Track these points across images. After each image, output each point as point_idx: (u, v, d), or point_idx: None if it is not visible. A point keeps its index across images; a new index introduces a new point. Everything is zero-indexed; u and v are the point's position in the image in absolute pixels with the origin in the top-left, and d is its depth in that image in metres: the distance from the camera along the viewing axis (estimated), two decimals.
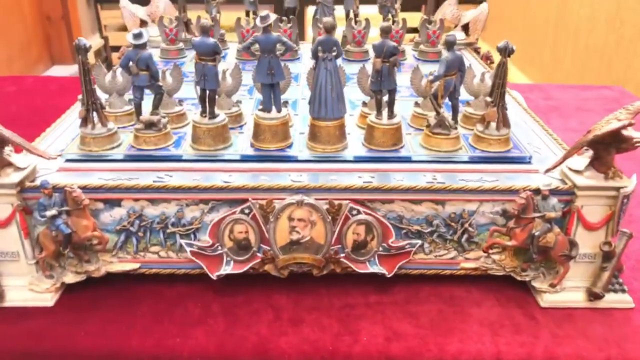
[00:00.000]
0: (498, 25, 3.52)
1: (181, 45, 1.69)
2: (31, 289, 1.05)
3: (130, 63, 1.07)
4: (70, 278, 1.06)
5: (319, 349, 0.96)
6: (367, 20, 1.70)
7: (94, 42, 3.83)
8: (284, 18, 1.67)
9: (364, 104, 1.25)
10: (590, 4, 2.79)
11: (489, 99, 1.11)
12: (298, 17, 1.76)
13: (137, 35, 1.05)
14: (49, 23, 3.57)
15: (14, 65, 3.11)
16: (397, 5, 1.74)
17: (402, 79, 1.35)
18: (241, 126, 1.22)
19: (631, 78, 2.48)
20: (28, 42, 3.36)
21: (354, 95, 1.36)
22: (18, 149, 1.03)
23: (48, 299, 1.04)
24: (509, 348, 0.96)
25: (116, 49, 3.99)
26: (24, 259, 1.04)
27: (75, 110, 1.34)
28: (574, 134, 1.17)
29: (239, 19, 1.69)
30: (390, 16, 1.71)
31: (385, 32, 1.06)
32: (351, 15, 1.75)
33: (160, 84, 1.10)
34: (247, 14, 1.74)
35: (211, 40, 1.05)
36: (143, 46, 1.06)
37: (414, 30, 1.91)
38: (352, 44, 1.70)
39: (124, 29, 4.09)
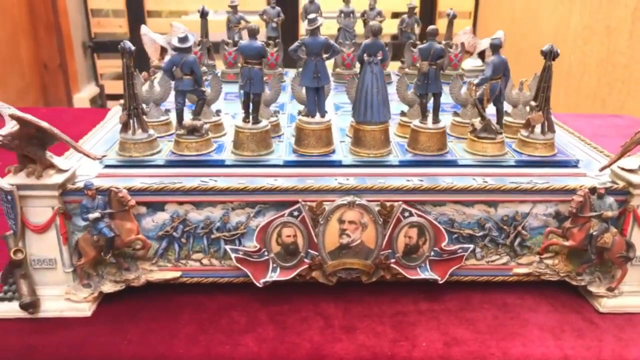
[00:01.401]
0: None
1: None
2: (68, 299, 0.99)
3: (174, 67, 1.06)
4: (108, 287, 1.01)
5: (377, 355, 0.91)
6: (355, 42, 1.69)
7: (90, 90, 3.87)
8: (270, 42, 1.67)
9: (403, 113, 1.24)
10: (581, 49, 2.84)
11: (533, 103, 1.10)
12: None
13: (183, 39, 1.05)
14: (45, 71, 3.59)
15: None
16: (417, 30, 1.76)
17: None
18: (279, 135, 1.20)
19: None
20: (25, 89, 3.36)
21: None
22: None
23: (85, 309, 0.99)
24: (575, 352, 0.92)
25: (112, 97, 4.05)
26: (61, 267, 1.00)
27: (111, 120, 1.32)
28: None
29: (223, 40, 1.69)
30: (410, 41, 1.73)
31: (431, 35, 1.06)
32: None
33: (204, 89, 1.09)
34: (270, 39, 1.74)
35: (258, 43, 1.04)
36: (188, 50, 1.05)
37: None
38: (342, 66, 1.69)
39: (119, 77, 4.15)
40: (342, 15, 1.73)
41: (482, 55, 1.89)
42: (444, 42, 1.79)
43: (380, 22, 1.80)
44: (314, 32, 1.04)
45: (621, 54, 2.54)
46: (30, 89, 3.47)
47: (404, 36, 1.76)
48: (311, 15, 1.04)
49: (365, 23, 1.79)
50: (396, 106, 1.26)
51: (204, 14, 1.68)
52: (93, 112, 2.63)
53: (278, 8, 1.73)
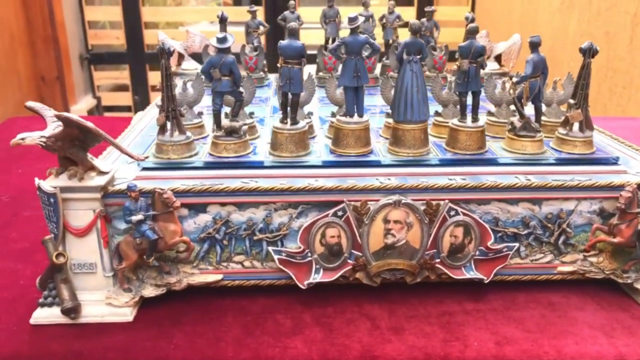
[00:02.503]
0: None
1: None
2: (109, 303, 0.97)
3: (213, 68, 1.04)
4: (149, 291, 0.99)
5: (430, 355, 0.90)
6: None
7: (87, 102, 3.85)
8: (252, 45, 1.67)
9: (437, 113, 1.23)
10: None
11: (572, 101, 1.10)
12: None
13: (222, 40, 1.04)
14: (43, 83, 3.56)
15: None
16: (436, 35, 1.76)
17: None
18: (313, 137, 1.19)
19: None
20: (22, 101, 3.32)
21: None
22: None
23: (127, 314, 0.97)
24: (630, 349, 0.91)
25: (108, 109, 4.03)
26: (101, 271, 0.98)
27: (137, 125, 1.30)
28: None
29: (243, 46, 1.69)
30: (430, 44, 1.73)
31: (471, 33, 1.06)
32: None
33: (242, 90, 1.08)
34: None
35: (298, 43, 1.04)
36: (227, 50, 1.04)
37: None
38: None
39: (116, 89, 4.14)
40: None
41: (498, 58, 1.90)
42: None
43: (399, 25, 1.81)
44: (354, 31, 1.04)
45: (621, 59, 2.57)
46: (28, 101, 3.44)
47: (423, 40, 1.75)
48: (352, 14, 1.04)
49: (384, 27, 1.79)
50: (430, 107, 1.26)
51: (223, 20, 1.67)
52: (101, 120, 2.60)
53: (297, 12, 1.73)
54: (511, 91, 1.08)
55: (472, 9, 3.90)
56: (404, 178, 1.02)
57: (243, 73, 1.65)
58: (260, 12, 3.79)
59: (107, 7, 3.88)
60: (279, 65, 1.06)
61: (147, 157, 1.03)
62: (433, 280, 1.04)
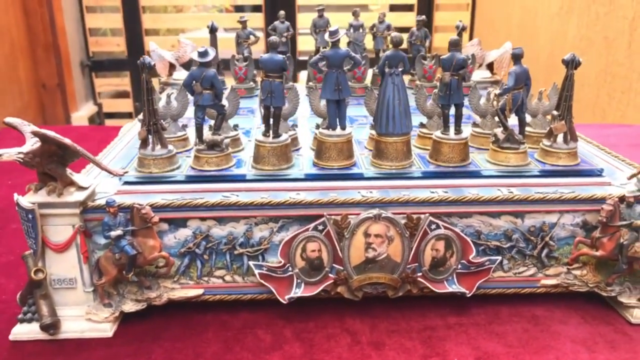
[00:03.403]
0: None
1: None
2: (88, 319, 0.97)
3: (194, 82, 1.04)
4: (129, 307, 0.99)
5: None
6: (365, 56, 1.69)
7: (88, 109, 3.86)
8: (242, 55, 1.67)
9: (422, 124, 1.23)
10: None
11: (556, 112, 1.10)
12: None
13: (203, 54, 1.03)
14: (44, 90, 3.58)
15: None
16: (427, 44, 1.76)
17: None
18: (297, 149, 1.19)
19: None
20: (23, 108, 3.35)
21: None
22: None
23: (107, 330, 0.97)
24: None
25: (110, 115, 4.04)
26: (81, 287, 0.98)
27: (124, 137, 1.30)
28: None
29: (233, 56, 1.69)
30: (420, 54, 1.73)
31: (454, 45, 1.06)
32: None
33: (224, 103, 1.08)
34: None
35: (279, 56, 1.03)
36: (208, 64, 1.04)
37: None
38: (352, 80, 1.68)
39: (117, 96, 4.16)
40: (352, 28, 1.73)
41: (490, 66, 1.89)
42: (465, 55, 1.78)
43: (389, 35, 1.81)
44: (335, 44, 1.04)
45: (620, 64, 2.55)
46: (29, 109, 3.45)
47: (414, 49, 1.76)
48: (332, 28, 1.04)
49: (374, 37, 1.79)
50: (415, 118, 1.25)
51: (213, 30, 1.67)
52: (97, 129, 2.61)
53: (287, 23, 1.73)
54: (494, 103, 1.07)
55: (472, 15, 3.90)
56: (386, 191, 1.02)
57: (234, 83, 1.68)
58: (260, 19, 3.82)
59: (107, 14, 3.89)
60: (259, 79, 1.06)
61: (126, 172, 1.03)
62: (415, 294, 1.03)
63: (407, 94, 1.07)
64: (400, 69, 1.05)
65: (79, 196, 0.94)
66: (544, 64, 3.17)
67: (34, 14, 3.45)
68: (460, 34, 1.76)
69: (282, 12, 1.74)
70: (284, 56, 1.05)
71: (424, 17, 1.75)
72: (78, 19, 3.81)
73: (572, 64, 1.06)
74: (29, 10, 3.42)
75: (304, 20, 3.42)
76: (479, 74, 1.80)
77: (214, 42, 1.70)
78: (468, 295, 1.01)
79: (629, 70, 2.46)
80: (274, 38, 1.03)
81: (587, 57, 2.71)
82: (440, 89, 1.08)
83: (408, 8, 3.85)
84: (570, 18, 2.84)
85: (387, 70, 1.05)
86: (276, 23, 1.72)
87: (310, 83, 1.66)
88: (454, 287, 1.01)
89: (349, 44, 1.74)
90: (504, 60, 1.86)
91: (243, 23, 1.72)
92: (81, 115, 3.73)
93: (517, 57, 1.07)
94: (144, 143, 1.06)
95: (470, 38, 3.91)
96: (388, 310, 1.04)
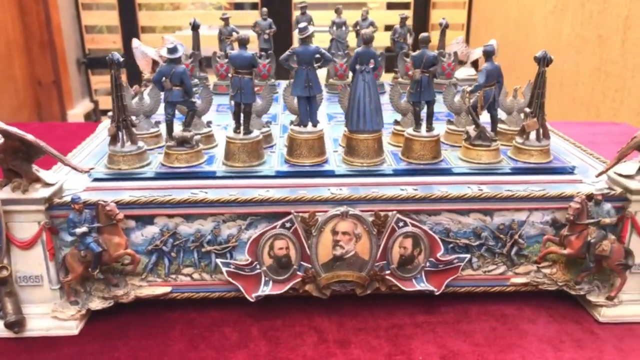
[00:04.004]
0: None
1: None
2: (54, 317, 0.97)
3: (164, 78, 1.04)
4: (96, 304, 0.99)
5: None
6: (347, 53, 1.68)
7: (84, 106, 3.86)
8: (262, 54, 1.66)
9: (396, 122, 1.22)
10: (574, 58, 2.83)
11: (528, 109, 1.09)
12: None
13: (172, 50, 1.03)
14: (40, 88, 3.58)
15: None
16: (410, 40, 1.75)
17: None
18: (272, 146, 1.19)
19: None
20: (19, 106, 3.36)
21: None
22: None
23: (73, 327, 0.97)
24: None
25: (106, 112, 4.03)
26: (48, 284, 0.97)
27: (101, 133, 1.30)
28: None
29: (214, 52, 1.68)
30: (402, 51, 1.72)
31: (424, 42, 1.05)
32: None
33: (194, 100, 1.07)
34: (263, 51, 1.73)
35: (248, 53, 1.03)
36: (177, 61, 1.04)
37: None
38: (335, 77, 1.68)
39: None
40: (335, 26, 1.72)
41: (475, 64, 1.88)
42: (436, 51, 1.78)
43: (373, 32, 1.80)
44: (305, 40, 1.03)
45: (614, 62, 2.54)
46: (25, 106, 3.46)
47: (397, 46, 1.75)
48: (301, 24, 1.03)
49: (357, 34, 1.78)
50: (390, 115, 1.25)
51: (195, 27, 1.67)
52: (86, 126, 2.61)
53: (270, 20, 1.73)
54: (466, 100, 1.07)
55: (469, 12, 3.88)
56: (355, 188, 1.01)
57: (216, 80, 1.67)
58: (257, 15, 3.81)
59: (103, 11, 3.89)
60: (230, 75, 1.06)
61: (92, 169, 1.03)
62: (384, 292, 1.03)
63: (377, 91, 1.06)
64: (371, 66, 1.05)
65: (45, 193, 0.94)
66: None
67: (29, 11, 3.45)
68: (443, 32, 1.75)
69: (264, 9, 1.73)
70: (254, 53, 1.05)
71: (406, 14, 1.75)
72: (74, 16, 3.81)
73: (543, 62, 1.06)
74: (24, 7, 3.42)
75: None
76: (464, 72, 1.79)
77: (196, 39, 1.69)
78: (437, 294, 1.01)
79: (623, 68, 2.45)
80: (242, 34, 1.03)
81: (582, 54, 2.70)
82: (412, 86, 1.07)
83: (404, 6, 3.84)
84: (565, 16, 2.83)
85: (358, 67, 1.05)
86: (259, 20, 1.72)
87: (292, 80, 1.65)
88: (423, 285, 1.01)
89: (331, 41, 1.74)
90: None
91: (225, 20, 1.71)
92: (77, 112, 3.74)
93: (488, 54, 1.06)
94: (113, 139, 1.06)
95: (467, 36, 3.90)
96: (356, 308, 1.03)
